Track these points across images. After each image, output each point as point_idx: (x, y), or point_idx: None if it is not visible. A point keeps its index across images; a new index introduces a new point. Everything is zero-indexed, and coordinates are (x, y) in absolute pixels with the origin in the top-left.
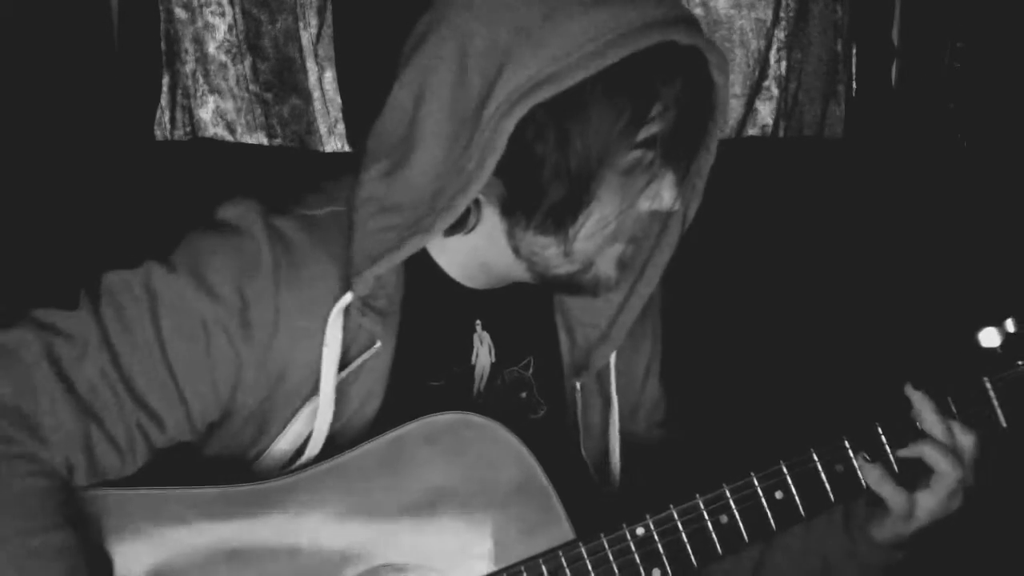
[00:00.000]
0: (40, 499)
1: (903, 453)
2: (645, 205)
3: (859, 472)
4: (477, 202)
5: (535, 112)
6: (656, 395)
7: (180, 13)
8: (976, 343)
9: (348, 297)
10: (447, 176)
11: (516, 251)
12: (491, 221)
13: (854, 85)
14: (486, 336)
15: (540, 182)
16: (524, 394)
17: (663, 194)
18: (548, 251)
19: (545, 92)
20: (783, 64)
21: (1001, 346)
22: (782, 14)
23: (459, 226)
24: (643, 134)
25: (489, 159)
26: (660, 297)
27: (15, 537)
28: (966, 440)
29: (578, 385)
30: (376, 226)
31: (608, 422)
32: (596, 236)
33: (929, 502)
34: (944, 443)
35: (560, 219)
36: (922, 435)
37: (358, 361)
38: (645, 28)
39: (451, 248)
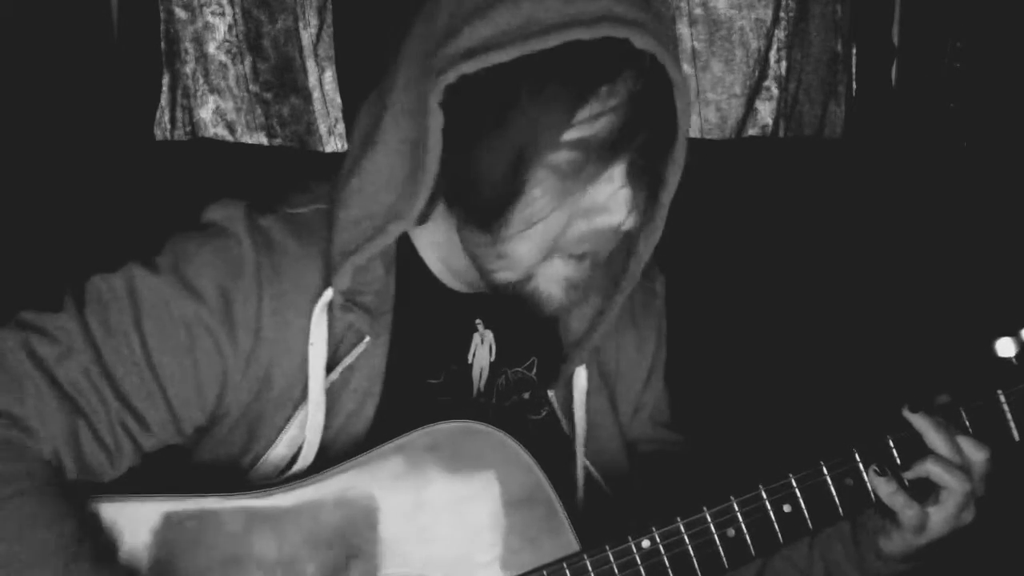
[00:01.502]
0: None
1: (910, 475)
2: (599, 220)
3: (869, 485)
4: (434, 195)
5: (472, 95)
6: (660, 396)
7: (180, 13)
8: (992, 352)
9: (329, 293)
10: (411, 158)
11: (465, 249)
12: (444, 216)
13: (854, 85)
14: (488, 335)
15: (473, 169)
16: (527, 394)
17: (612, 208)
18: (484, 250)
19: (475, 64)
20: (783, 64)
21: (1016, 356)
22: (782, 14)
23: (420, 217)
24: (576, 133)
25: (432, 135)
26: (664, 297)
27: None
28: (977, 456)
29: (550, 394)
30: (352, 217)
31: (612, 420)
32: (529, 240)
33: (940, 516)
34: (951, 460)
35: (488, 210)
36: (931, 451)
37: (347, 360)
38: (598, 20)
39: (429, 248)
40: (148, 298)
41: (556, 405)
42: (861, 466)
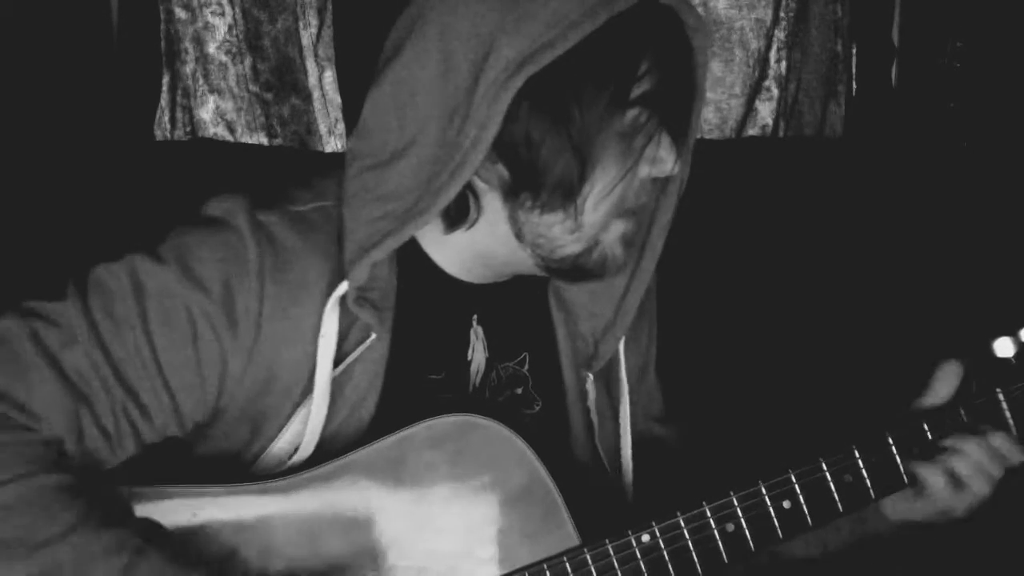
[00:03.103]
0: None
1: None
2: (646, 171)
3: (868, 482)
4: (476, 193)
5: (527, 88)
6: (652, 390)
7: (180, 13)
8: (991, 352)
9: (344, 287)
10: (442, 160)
11: (519, 236)
12: (492, 209)
13: (854, 85)
14: (480, 331)
15: (542, 158)
16: (520, 390)
17: (664, 157)
18: (554, 230)
19: (540, 62)
20: (783, 64)
21: (1015, 356)
22: (782, 14)
23: (461, 220)
24: (635, 92)
25: (485, 136)
26: (655, 292)
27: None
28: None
29: (591, 376)
30: (370, 215)
31: (617, 412)
32: (602, 206)
33: (963, 503)
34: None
35: (567, 192)
36: (936, 448)
37: (354, 355)
38: None
39: (450, 243)
40: (151, 287)
41: (591, 381)
42: (860, 462)
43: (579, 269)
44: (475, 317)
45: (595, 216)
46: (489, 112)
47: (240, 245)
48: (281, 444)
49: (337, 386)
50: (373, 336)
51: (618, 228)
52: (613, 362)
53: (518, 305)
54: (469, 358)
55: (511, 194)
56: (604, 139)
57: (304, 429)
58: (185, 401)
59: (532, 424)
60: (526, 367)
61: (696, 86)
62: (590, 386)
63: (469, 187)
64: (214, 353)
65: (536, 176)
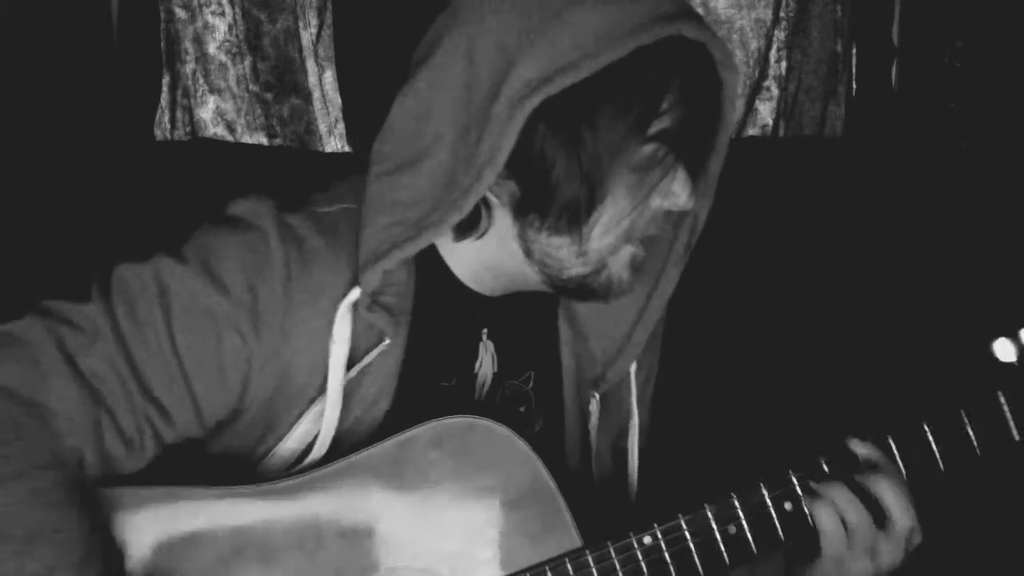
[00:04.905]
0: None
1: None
2: (658, 203)
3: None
4: (488, 205)
5: (545, 109)
6: (645, 420)
7: (180, 13)
8: (991, 354)
9: (356, 293)
10: (456, 173)
11: (528, 253)
12: (503, 224)
13: (854, 85)
14: (491, 345)
15: (553, 181)
16: (523, 408)
17: (678, 192)
18: (561, 252)
19: (557, 84)
20: (783, 64)
21: (1017, 358)
22: (782, 14)
23: (471, 230)
24: (654, 128)
25: (499, 153)
26: (663, 320)
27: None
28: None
29: (597, 396)
30: (384, 222)
31: (624, 432)
32: (610, 234)
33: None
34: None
35: (574, 217)
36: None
37: (367, 359)
38: (653, 22)
39: (461, 251)
40: (176, 290)
41: (597, 402)
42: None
43: (585, 289)
44: (485, 332)
45: (602, 243)
46: (504, 129)
47: (265, 247)
48: (289, 444)
49: (350, 389)
50: (387, 342)
51: (627, 252)
52: (621, 385)
53: (528, 322)
54: (475, 370)
55: (520, 212)
56: (617, 169)
57: (313, 430)
58: (207, 403)
59: (533, 443)
60: (530, 385)
61: (723, 121)
62: (594, 407)
63: (482, 199)
64: (238, 355)
65: (545, 198)
